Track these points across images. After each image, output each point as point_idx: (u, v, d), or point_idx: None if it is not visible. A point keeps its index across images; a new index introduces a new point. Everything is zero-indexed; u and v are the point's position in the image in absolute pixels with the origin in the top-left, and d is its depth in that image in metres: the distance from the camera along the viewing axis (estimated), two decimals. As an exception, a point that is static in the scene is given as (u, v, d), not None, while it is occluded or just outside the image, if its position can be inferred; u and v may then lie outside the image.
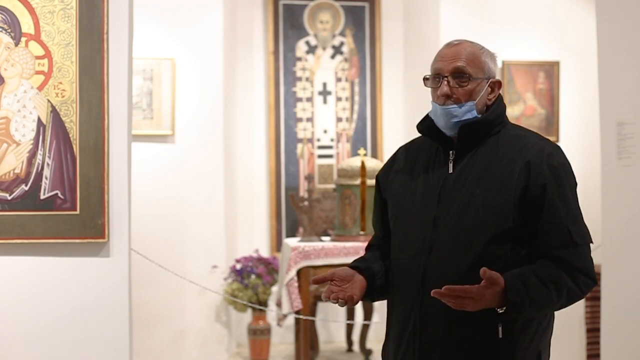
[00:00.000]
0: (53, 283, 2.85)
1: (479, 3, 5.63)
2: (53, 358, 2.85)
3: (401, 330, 2.00)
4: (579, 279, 1.89)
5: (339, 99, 6.46)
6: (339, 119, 6.46)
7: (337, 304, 1.94)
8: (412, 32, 6.36)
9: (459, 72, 1.97)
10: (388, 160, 2.20)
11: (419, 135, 2.12)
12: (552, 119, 5.64)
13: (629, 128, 3.26)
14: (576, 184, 1.99)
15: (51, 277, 2.85)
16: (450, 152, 2.00)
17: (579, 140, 5.66)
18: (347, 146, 6.43)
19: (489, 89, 2.01)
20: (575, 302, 1.94)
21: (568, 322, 5.39)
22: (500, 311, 1.83)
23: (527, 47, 5.63)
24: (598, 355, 3.87)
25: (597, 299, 4.57)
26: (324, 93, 6.45)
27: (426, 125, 2.04)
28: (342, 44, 6.47)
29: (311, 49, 6.44)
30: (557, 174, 1.92)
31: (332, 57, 6.46)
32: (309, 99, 6.43)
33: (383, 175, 2.18)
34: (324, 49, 6.46)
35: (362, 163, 4.83)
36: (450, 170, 1.99)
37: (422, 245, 1.96)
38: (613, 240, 3.41)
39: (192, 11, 5.54)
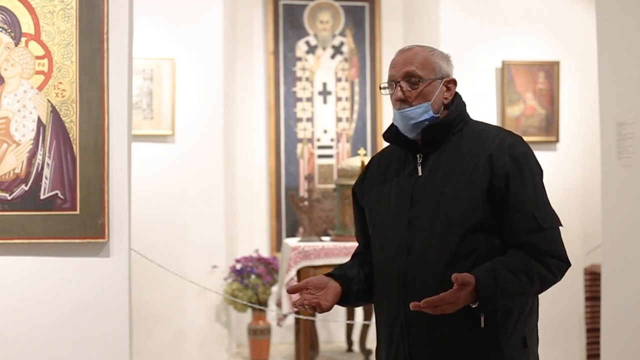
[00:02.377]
0: (53, 283, 2.85)
1: (479, 3, 5.63)
2: (53, 358, 2.85)
3: (390, 332, 2.07)
4: (550, 263, 1.94)
5: (339, 99, 6.46)
6: (339, 119, 6.46)
7: (307, 311, 2.03)
8: (412, 32, 6.36)
9: (410, 75, 2.04)
10: (362, 172, 2.28)
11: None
12: (552, 119, 5.64)
13: (629, 128, 3.26)
14: (541, 171, 2.05)
15: (51, 277, 2.85)
16: (418, 155, 2.08)
17: (579, 140, 5.66)
18: (347, 146, 6.43)
19: (445, 88, 2.08)
20: (550, 286, 1.98)
21: (568, 322, 5.39)
22: (474, 306, 1.88)
23: (527, 47, 5.62)
24: (598, 355, 3.87)
25: (597, 299, 4.57)
26: (324, 93, 6.45)
27: (391, 133, 2.13)
28: (342, 44, 6.47)
29: (311, 49, 6.44)
30: (519, 163, 1.98)
31: (332, 57, 6.46)
32: (309, 99, 6.43)
33: (358, 185, 2.26)
34: (324, 49, 6.46)
35: (362, 163, 4.83)
36: (420, 173, 2.06)
37: (400, 247, 2.03)
38: (613, 240, 3.41)
39: (192, 11, 5.54)
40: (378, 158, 2.25)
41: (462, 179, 1.98)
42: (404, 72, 2.04)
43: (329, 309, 2.05)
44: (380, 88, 2.12)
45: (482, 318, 1.93)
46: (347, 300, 2.11)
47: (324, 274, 2.12)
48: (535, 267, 1.92)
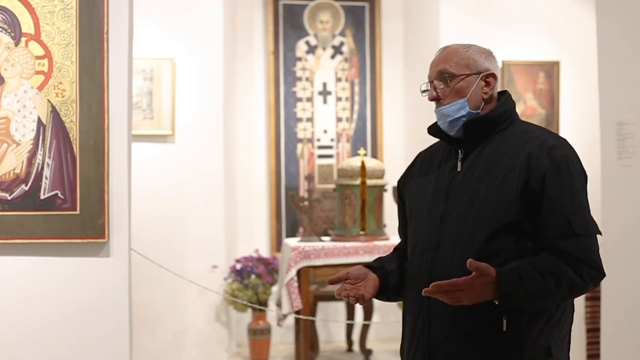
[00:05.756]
0: (53, 283, 2.85)
1: (479, 3, 5.63)
2: (53, 358, 2.85)
3: (413, 326, 2.06)
4: (582, 270, 1.87)
5: (339, 99, 6.46)
6: (339, 119, 6.46)
7: (350, 302, 2.03)
8: (412, 32, 6.36)
9: (442, 73, 2.03)
10: (408, 166, 2.27)
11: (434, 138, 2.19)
12: (552, 119, 5.64)
13: (629, 128, 3.26)
14: (584, 176, 1.99)
15: (51, 277, 2.85)
16: (459, 151, 2.05)
17: (579, 140, 5.61)
18: (347, 146, 6.43)
19: (483, 83, 2.04)
20: (581, 293, 1.93)
21: (568, 322, 5.39)
22: (496, 302, 1.84)
23: (527, 47, 5.63)
24: (598, 355, 3.87)
25: (597, 299, 4.57)
26: (324, 93, 6.45)
27: (436, 127, 2.11)
28: (342, 44, 6.47)
29: (311, 49, 6.44)
30: (558, 165, 1.92)
31: (332, 57, 6.46)
32: (309, 99, 6.43)
33: (402, 179, 2.25)
34: (324, 49, 6.46)
35: (362, 163, 4.83)
36: (459, 169, 2.03)
37: (430, 241, 2.01)
38: (613, 240, 3.41)
39: (192, 11, 5.54)
40: (424, 153, 2.23)
41: (498, 177, 1.94)
42: (437, 71, 2.04)
43: (370, 300, 2.05)
44: (422, 92, 2.11)
45: (505, 321, 1.88)
46: (384, 293, 2.10)
47: (362, 265, 2.11)
48: (565, 271, 1.86)
